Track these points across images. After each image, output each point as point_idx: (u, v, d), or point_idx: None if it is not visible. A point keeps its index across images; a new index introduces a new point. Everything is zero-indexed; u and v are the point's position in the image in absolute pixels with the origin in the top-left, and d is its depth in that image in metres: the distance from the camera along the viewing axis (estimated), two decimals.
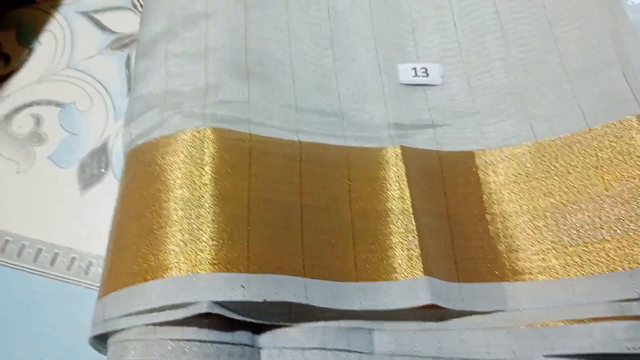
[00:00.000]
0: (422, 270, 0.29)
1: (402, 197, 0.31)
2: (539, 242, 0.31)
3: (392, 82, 0.36)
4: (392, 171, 0.32)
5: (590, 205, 0.31)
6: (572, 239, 0.30)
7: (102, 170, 0.36)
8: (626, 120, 0.32)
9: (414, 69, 0.37)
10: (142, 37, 0.36)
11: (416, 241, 0.30)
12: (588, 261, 0.30)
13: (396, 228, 0.30)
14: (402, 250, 0.30)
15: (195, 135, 0.30)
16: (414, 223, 0.30)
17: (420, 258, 0.29)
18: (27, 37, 0.41)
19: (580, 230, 0.30)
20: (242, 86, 0.33)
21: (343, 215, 0.31)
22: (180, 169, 0.29)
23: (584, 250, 0.30)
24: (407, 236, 0.30)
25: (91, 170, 0.36)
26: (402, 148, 0.33)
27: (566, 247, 0.30)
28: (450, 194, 0.33)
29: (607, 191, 0.31)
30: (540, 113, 0.34)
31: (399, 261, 0.29)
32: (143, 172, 0.30)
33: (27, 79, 0.39)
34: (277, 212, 0.29)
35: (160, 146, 0.30)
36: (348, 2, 0.39)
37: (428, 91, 0.37)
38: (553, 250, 0.30)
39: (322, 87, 0.36)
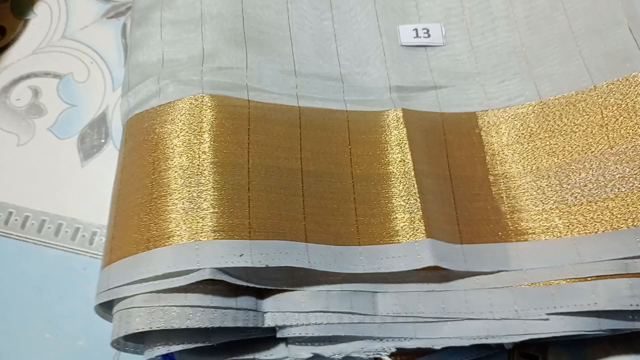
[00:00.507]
0: (424, 232, 0.28)
1: (404, 160, 0.31)
2: (542, 202, 0.31)
3: (392, 45, 0.35)
4: (393, 134, 0.32)
5: (595, 164, 0.30)
6: (576, 198, 0.30)
7: (102, 140, 0.36)
8: (632, 77, 0.31)
9: (415, 29, 0.36)
10: (136, 4, 0.35)
11: (418, 204, 0.29)
12: (592, 220, 0.29)
13: (398, 191, 0.30)
14: (404, 213, 0.29)
15: (192, 103, 0.30)
16: (415, 186, 0.30)
17: (422, 220, 0.29)
18: (22, 8, 0.40)
19: (584, 189, 0.30)
20: (240, 53, 0.33)
21: (344, 180, 0.31)
22: (178, 137, 0.29)
23: (587, 209, 0.30)
24: (409, 199, 0.30)
25: (91, 140, 0.36)
26: (404, 111, 0.32)
27: (570, 207, 0.30)
28: (453, 155, 0.33)
29: (611, 149, 0.30)
30: (544, 72, 0.34)
31: (401, 224, 0.29)
32: (141, 141, 0.30)
33: (23, 51, 0.39)
34: (277, 177, 0.29)
35: (158, 115, 0.30)
36: None
37: (430, 52, 0.36)
38: (556, 210, 0.30)
39: (322, 51, 0.35)
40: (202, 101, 0.30)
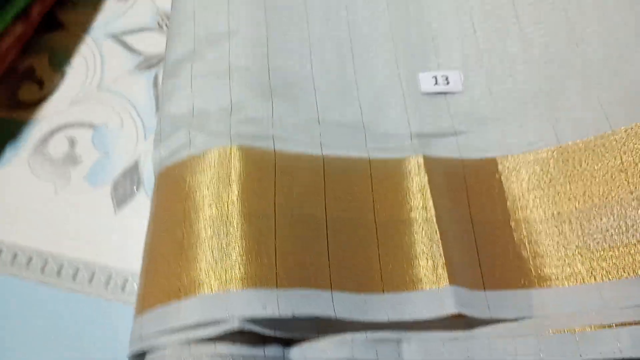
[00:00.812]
0: (447, 279, 0.29)
1: (425, 207, 0.32)
2: (564, 247, 0.31)
3: (412, 92, 0.36)
4: (414, 181, 0.33)
5: (615, 209, 0.31)
6: (598, 243, 0.30)
7: (135, 188, 0.38)
8: None
9: (435, 77, 0.37)
10: (168, 57, 0.37)
11: (441, 250, 0.30)
12: (615, 265, 0.30)
13: (420, 237, 0.31)
14: (427, 260, 0.30)
15: (221, 154, 0.31)
16: (437, 232, 0.31)
17: (445, 267, 0.29)
18: (59, 61, 0.43)
19: (606, 235, 0.30)
20: (266, 103, 0.34)
21: (368, 227, 0.31)
22: (208, 187, 0.30)
23: (610, 254, 0.30)
24: (432, 245, 0.30)
25: (124, 189, 0.38)
26: (425, 158, 0.33)
27: (592, 252, 0.30)
28: (474, 201, 0.33)
29: (632, 194, 0.31)
30: (563, 116, 0.34)
31: (424, 271, 0.30)
32: (173, 191, 0.31)
33: (60, 102, 0.41)
34: (302, 226, 0.30)
35: (189, 166, 0.31)
36: (368, 14, 0.39)
37: (449, 98, 0.37)
38: (579, 256, 0.30)
39: (344, 98, 0.36)
40: (231, 152, 0.31)
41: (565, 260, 0.31)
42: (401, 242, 0.31)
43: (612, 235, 0.30)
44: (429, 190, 0.32)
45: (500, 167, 0.34)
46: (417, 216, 0.32)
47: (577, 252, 0.31)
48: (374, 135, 0.35)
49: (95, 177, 0.38)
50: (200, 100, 0.34)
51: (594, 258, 0.30)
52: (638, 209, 0.30)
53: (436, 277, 0.29)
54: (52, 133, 0.40)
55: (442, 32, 0.39)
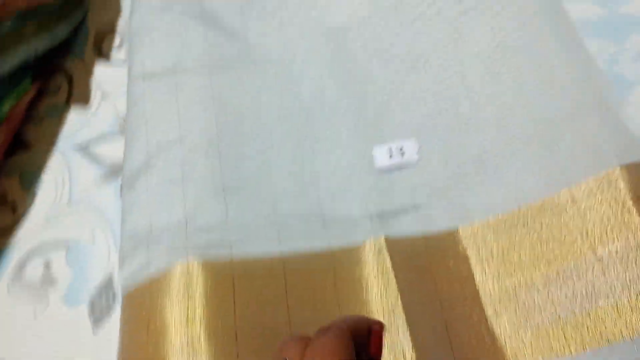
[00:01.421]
0: None
1: (390, 294, 0.31)
2: (534, 319, 0.30)
3: (369, 171, 0.36)
4: (376, 268, 0.32)
5: (582, 272, 0.30)
6: (568, 312, 0.30)
7: (110, 303, 0.38)
8: (604, 176, 0.31)
9: (390, 149, 0.37)
10: (125, 169, 0.38)
11: (409, 341, 0.30)
12: (586, 335, 0.29)
13: (388, 326, 0.30)
14: (396, 347, 0.30)
15: (180, 273, 0.31)
16: (405, 321, 0.30)
17: (414, 352, 0.29)
18: (29, 181, 0.43)
19: (574, 302, 0.30)
20: (220, 206, 0.34)
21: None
22: (170, 310, 0.30)
23: (581, 323, 0.29)
24: (399, 335, 0.30)
25: (100, 306, 0.38)
26: (386, 240, 0.33)
27: (563, 323, 0.30)
28: (440, 278, 0.33)
29: (596, 254, 0.30)
30: (519, 176, 0.34)
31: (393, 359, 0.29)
32: (136, 317, 0.31)
33: (33, 223, 0.42)
34: (263, 337, 0.30)
35: (149, 290, 0.32)
36: (320, 100, 0.39)
37: (406, 171, 0.37)
38: (551, 328, 0.30)
39: (301, 190, 0.36)
40: (188, 270, 0.31)
41: (537, 332, 0.30)
42: None
43: (580, 302, 0.30)
44: (393, 274, 0.32)
45: (463, 239, 0.34)
46: (383, 304, 0.31)
47: (548, 324, 0.30)
48: (333, 221, 0.35)
49: (72, 297, 0.39)
50: (156, 215, 0.35)
51: (566, 329, 0.29)
52: (604, 271, 0.29)
53: None
54: (28, 257, 0.41)
55: (393, 102, 0.39)
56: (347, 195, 0.36)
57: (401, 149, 0.37)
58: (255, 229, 0.34)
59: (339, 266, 0.33)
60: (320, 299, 0.32)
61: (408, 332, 0.30)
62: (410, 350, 0.29)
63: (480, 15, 0.39)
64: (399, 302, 0.31)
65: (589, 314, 0.29)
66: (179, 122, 0.37)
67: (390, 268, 0.32)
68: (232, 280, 0.31)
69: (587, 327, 0.29)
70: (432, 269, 0.33)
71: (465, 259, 0.33)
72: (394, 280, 0.32)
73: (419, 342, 0.30)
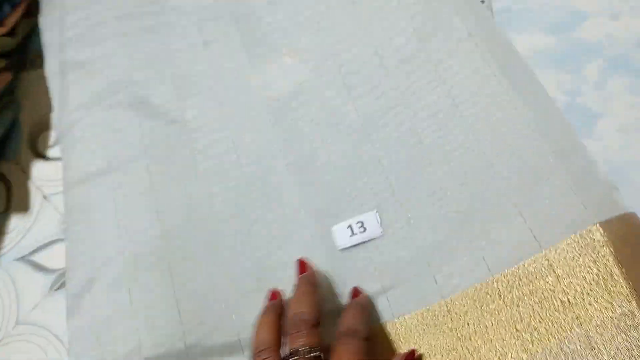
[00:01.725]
0: None
1: None
2: None
3: (330, 254, 0.34)
4: None
5: (569, 351, 0.27)
6: None
7: None
8: (586, 232, 0.29)
9: (350, 227, 0.34)
10: (68, 291, 0.35)
11: None
12: None
13: None
14: None
15: None
16: None
17: None
18: None
19: None
20: (176, 333, 0.32)
21: None
22: None
23: None
24: None
25: None
26: None
27: None
28: None
29: (580, 327, 0.27)
30: (490, 241, 0.31)
31: None
32: None
33: None
34: None
35: None
36: (266, 177, 0.37)
37: (370, 248, 0.34)
38: None
39: (257, 285, 0.34)
40: None
41: None
42: None
43: None
44: None
45: (439, 315, 0.31)
46: None
47: None
48: None
49: None
50: (106, 343, 0.32)
51: None
52: (593, 349, 0.27)
53: None
54: None
55: (349, 177, 0.36)
56: None
57: (362, 224, 0.34)
58: (213, 334, 0.31)
59: None
60: None
61: None
62: None
63: (426, 67, 0.37)
64: None
65: None
66: (119, 229, 0.35)
67: None
68: None
69: None
70: None
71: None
72: None
73: None
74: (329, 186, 0.36)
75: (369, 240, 0.34)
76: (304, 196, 0.36)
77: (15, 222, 0.43)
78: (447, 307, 0.31)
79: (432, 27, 0.37)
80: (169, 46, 0.42)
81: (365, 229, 0.34)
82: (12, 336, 0.39)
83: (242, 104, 0.39)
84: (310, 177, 0.36)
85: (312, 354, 0.26)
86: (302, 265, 0.32)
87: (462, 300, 0.31)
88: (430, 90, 0.36)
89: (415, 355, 0.30)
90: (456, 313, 0.30)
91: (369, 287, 0.32)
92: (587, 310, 0.27)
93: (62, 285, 0.40)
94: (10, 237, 0.42)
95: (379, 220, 0.34)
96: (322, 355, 0.27)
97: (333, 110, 0.38)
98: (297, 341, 0.27)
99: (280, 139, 0.38)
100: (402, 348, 0.31)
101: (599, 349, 0.26)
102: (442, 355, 0.30)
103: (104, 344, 0.32)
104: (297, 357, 0.26)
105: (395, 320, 0.32)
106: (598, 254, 0.28)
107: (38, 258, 0.41)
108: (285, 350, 0.27)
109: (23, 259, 0.41)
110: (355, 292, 0.32)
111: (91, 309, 0.33)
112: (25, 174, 0.44)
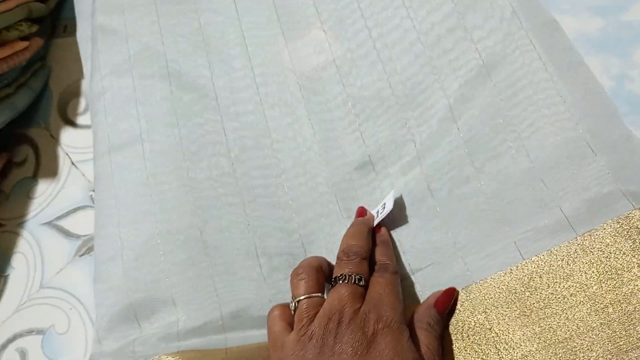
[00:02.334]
0: None
1: None
2: None
3: None
4: None
5: (595, 335, 0.26)
6: None
7: None
8: (627, 217, 0.27)
9: (377, 211, 0.34)
10: (97, 257, 0.35)
11: None
12: None
13: None
14: None
15: None
16: None
17: None
18: (0, 266, 0.41)
19: None
20: (212, 304, 0.32)
21: None
22: None
23: None
24: None
25: None
26: None
27: None
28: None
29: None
30: (521, 227, 0.30)
31: None
32: None
33: (6, 311, 0.39)
34: None
35: None
36: (295, 151, 0.36)
37: (399, 231, 0.33)
38: None
39: (287, 258, 0.33)
40: None
41: None
42: None
43: None
44: None
45: (465, 301, 0.30)
46: None
47: None
48: None
49: None
50: (136, 299, 0.32)
51: None
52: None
53: None
54: (2, 348, 0.38)
55: (379, 154, 0.35)
56: None
57: (384, 205, 0.33)
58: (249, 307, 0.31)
59: None
60: None
61: None
62: None
63: (464, 45, 0.35)
64: None
65: None
66: (151, 197, 0.35)
67: None
68: None
69: None
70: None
71: (478, 323, 0.29)
72: None
73: None
74: (358, 161, 0.35)
75: (397, 226, 0.33)
76: (332, 170, 0.35)
77: (43, 187, 0.43)
78: (474, 293, 0.30)
79: (472, 2, 0.35)
80: (200, 16, 0.41)
81: (384, 208, 0.33)
82: (36, 299, 0.39)
83: (273, 76, 0.38)
84: (339, 151, 0.35)
85: (358, 282, 0.29)
86: (362, 211, 0.34)
87: (491, 283, 0.30)
88: (468, 69, 0.34)
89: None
90: (481, 303, 0.29)
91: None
92: (624, 295, 0.26)
93: (87, 251, 0.40)
94: (37, 202, 0.43)
95: (393, 194, 0.33)
96: (366, 285, 0.29)
97: (366, 85, 0.36)
98: (347, 268, 0.29)
99: (310, 113, 0.37)
100: None
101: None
102: (468, 336, 0.29)
103: (132, 311, 0.32)
104: (345, 280, 0.29)
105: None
106: (635, 240, 0.26)
107: (64, 223, 0.41)
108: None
109: (49, 223, 0.42)
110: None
111: (119, 276, 0.33)
112: (54, 139, 0.44)
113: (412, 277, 0.32)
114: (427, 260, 0.32)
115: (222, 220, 0.34)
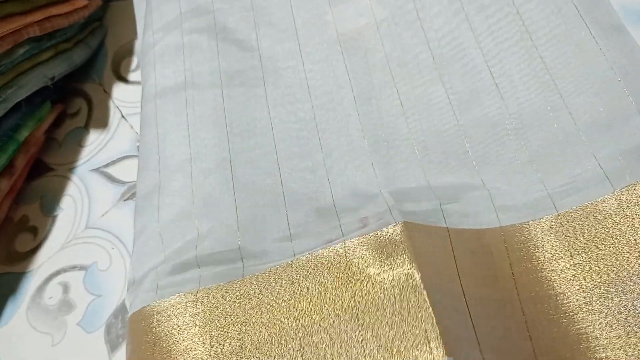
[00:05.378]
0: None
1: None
2: (596, 330, 0.27)
3: (388, 182, 0.34)
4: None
5: (628, 287, 0.26)
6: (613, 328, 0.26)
7: (127, 328, 0.37)
8: None
9: None
10: (138, 193, 0.37)
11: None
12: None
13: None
14: None
15: (186, 301, 0.30)
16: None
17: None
18: (49, 206, 0.43)
19: (620, 318, 0.26)
20: (232, 232, 0.33)
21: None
22: (173, 335, 0.29)
23: (627, 342, 0.26)
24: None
25: (116, 330, 0.37)
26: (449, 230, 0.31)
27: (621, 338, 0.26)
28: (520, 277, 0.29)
29: None
30: (557, 180, 0.31)
31: None
32: (140, 342, 0.30)
33: (52, 248, 0.41)
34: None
35: (155, 313, 0.30)
36: (332, 109, 0.37)
37: (430, 174, 0.34)
38: (618, 340, 0.26)
39: (318, 208, 0.34)
40: (196, 300, 0.30)
41: (618, 341, 0.26)
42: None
43: (626, 318, 0.26)
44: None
45: (492, 239, 0.31)
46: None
47: (614, 336, 0.26)
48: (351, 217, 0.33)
49: (89, 323, 0.38)
50: (167, 236, 0.33)
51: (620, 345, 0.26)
52: None
53: None
54: (46, 281, 0.40)
55: (416, 115, 0.36)
56: (359, 187, 0.34)
57: None
58: (270, 250, 0.32)
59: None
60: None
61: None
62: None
63: (506, 11, 0.36)
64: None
65: (636, 333, 0.25)
66: (189, 142, 0.36)
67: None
68: (241, 300, 0.29)
69: (634, 348, 0.25)
70: (511, 266, 0.30)
71: (535, 258, 0.30)
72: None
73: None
74: (394, 121, 0.36)
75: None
76: (368, 128, 0.36)
77: (94, 136, 0.45)
78: (503, 236, 0.30)
79: None
80: None
81: None
82: (81, 238, 0.41)
83: (316, 37, 0.40)
84: (376, 114, 0.37)
85: None
86: None
87: (520, 231, 0.30)
88: (511, 39, 0.35)
89: None
90: (509, 243, 0.30)
91: (423, 206, 0.32)
92: None
93: (131, 196, 0.42)
94: (88, 150, 0.45)
95: None
96: None
97: (407, 50, 0.38)
98: None
99: (351, 73, 0.38)
100: None
101: None
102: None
103: (165, 240, 0.33)
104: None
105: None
106: None
107: (111, 170, 0.43)
108: None
109: (97, 170, 0.44)
110: None
111: (157, 209, 0.34)
112: (106, 93, 0.46)
113: (440, 208, 0.32)
114: (456, 197, 0.33)
115: (253, 164, 0.36)
